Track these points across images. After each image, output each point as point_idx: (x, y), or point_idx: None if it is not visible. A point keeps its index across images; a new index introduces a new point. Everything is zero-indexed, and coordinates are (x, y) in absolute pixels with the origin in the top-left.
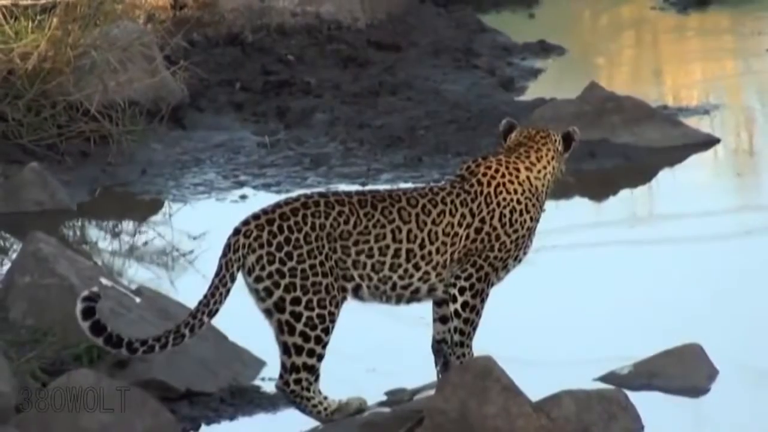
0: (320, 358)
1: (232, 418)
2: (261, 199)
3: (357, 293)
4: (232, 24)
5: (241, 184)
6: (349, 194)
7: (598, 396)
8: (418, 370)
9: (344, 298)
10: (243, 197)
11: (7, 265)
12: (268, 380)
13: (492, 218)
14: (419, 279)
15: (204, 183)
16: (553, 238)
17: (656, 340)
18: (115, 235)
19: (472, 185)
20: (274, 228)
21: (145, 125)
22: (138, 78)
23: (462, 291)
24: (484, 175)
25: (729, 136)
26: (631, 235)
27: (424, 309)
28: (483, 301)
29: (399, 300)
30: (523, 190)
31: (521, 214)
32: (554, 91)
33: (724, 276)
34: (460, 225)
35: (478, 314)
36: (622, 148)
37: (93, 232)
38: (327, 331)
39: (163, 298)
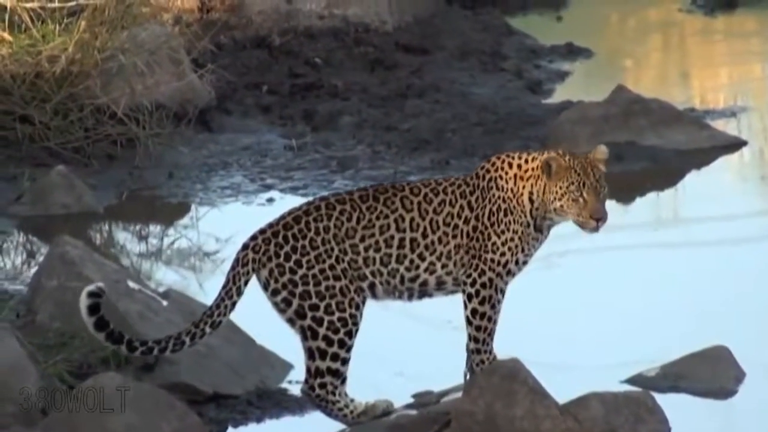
0: (345, 361)
1: (259, 420)
2: (288, 202)
3: (372, 291)
4: (260, 27)
5: (268, 187)
6: (350, 192)
7: (625, 398)
8: (445, 373)
9: (364, 300)
10: (270, 200)
11: (34, 269)
12: (295, 383)
13: (483, 215)
14: (425, 270)
15: (231, 186)
16: (579, 240)
17: (683, 342)
18: (142, 238)
19: (471, 178)
20: (280, 239)
21: (172, 128)
22: (165, 81)
23: (470, 298)
24: (482, 167)
25: (756, 138)
26: (656, 237)
27: (452, 312)
28: (493, 307)
29: (410, 294)
30: (508, 189)
31: (506, 214)
32: (581, 94)
33: (751, 278)
34: (459, 217)
35: (490, 320)
36: (649, 151)
37: (120, 236)
38: (350, 335)
39: (191, 301)
